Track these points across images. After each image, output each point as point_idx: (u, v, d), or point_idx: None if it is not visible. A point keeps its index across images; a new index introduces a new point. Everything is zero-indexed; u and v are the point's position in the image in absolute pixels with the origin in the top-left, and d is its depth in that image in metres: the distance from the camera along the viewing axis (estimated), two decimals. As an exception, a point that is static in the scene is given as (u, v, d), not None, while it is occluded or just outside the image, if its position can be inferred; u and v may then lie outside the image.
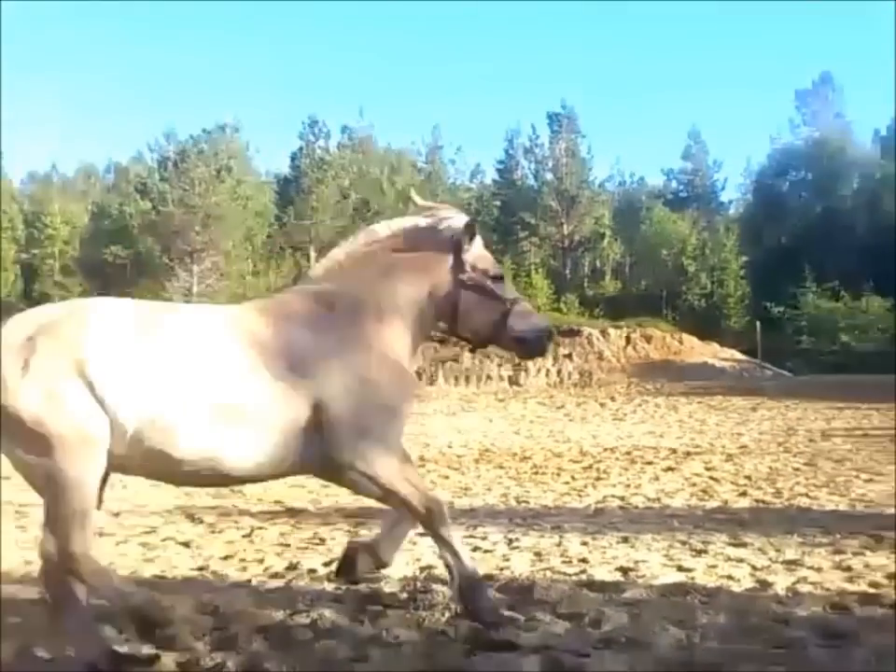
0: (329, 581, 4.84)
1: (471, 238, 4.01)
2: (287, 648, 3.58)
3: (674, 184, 58.42)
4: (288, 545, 6.05)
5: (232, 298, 44.14)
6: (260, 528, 6.66)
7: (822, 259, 38.99)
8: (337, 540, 6.14)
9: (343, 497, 8.05)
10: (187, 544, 6.05)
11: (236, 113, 50.28)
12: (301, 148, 52.09)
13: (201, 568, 5.30)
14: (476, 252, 4.04)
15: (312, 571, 5.15)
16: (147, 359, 3.40)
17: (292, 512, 7.34)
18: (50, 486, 3.33)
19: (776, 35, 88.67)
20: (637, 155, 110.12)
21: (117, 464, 3.43)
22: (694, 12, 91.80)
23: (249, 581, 4.88)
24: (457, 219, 4.09)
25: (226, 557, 5.62)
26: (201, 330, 3.61)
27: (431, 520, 3.71)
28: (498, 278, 4.08)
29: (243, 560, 5.54)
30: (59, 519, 3.30)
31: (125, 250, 47.29)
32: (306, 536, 6.36)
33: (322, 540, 6.17)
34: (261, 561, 5.49)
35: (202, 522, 6.99)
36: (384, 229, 4.09)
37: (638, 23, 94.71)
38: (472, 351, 4.39)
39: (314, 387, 3.58)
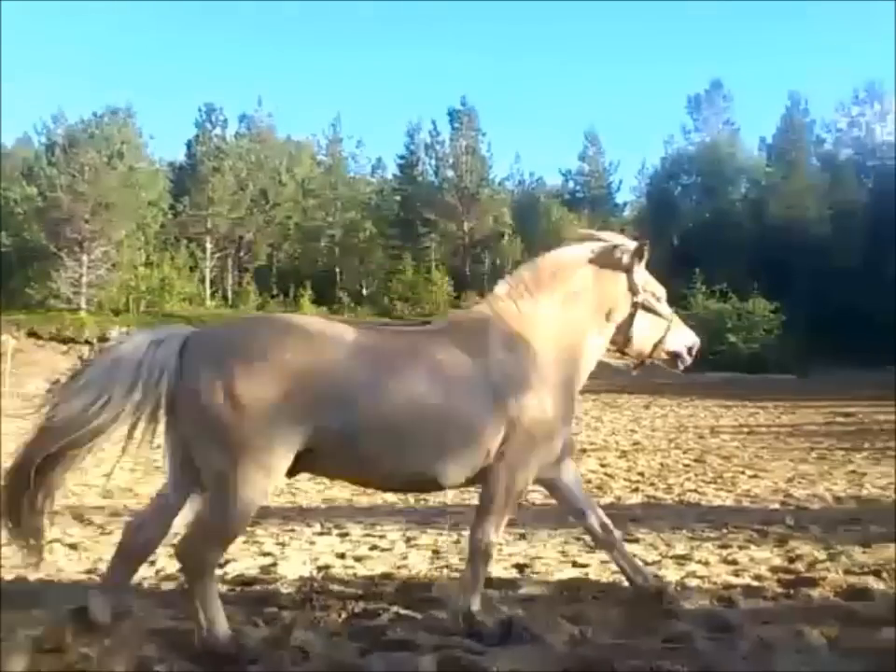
0: (225, 582, 4.74)
1: (640, 260, 4.19)
2: (180, 651, 3.49)
3: (571, 184, 59.54)
4: (182, 546, 5.89)
5: (124, 289, 42.92)
6: (152, 528, 6.46)
7: (712, 261, 40.38)
8: (232, 540, 6.01)
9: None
10: (74, 546, 5.81)
11: (129, 97, 48.84)
12: (197, 136, 50.96)
13: (89, 571, 5.09)
14: (643, 273, 4.21)
15: (206, 572, 5.02)
16: (378, 375, 3.54)
17: (186, 511, 7.14)
18: (225, 485, 3.37)
19: (673, 38, 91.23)
20: (536, 155, 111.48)
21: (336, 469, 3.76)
22: (593, 13, 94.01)
23: (140, 584, 4.72)
24: (627, 243, 4.27)
25: (116, 560, 5.41)
26: (425, 348, 3.77)
27: (473, 557, 3.84)
28: (662, 297, 4.29)
29: (134, 562, 5.35)
30: (221, 519, 3.43)
31: (10, 238, 45.17)
32: (200, 535, 6.20)
33: (217, 540, 6.03)
34: (153, 563, 5.32)
35: (91, 523, 6.73)
36: (566, 254, 4.20)
37: (540, 24, 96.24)
38: (636, 368, 4.50)
39: (508, 408, 3.72)
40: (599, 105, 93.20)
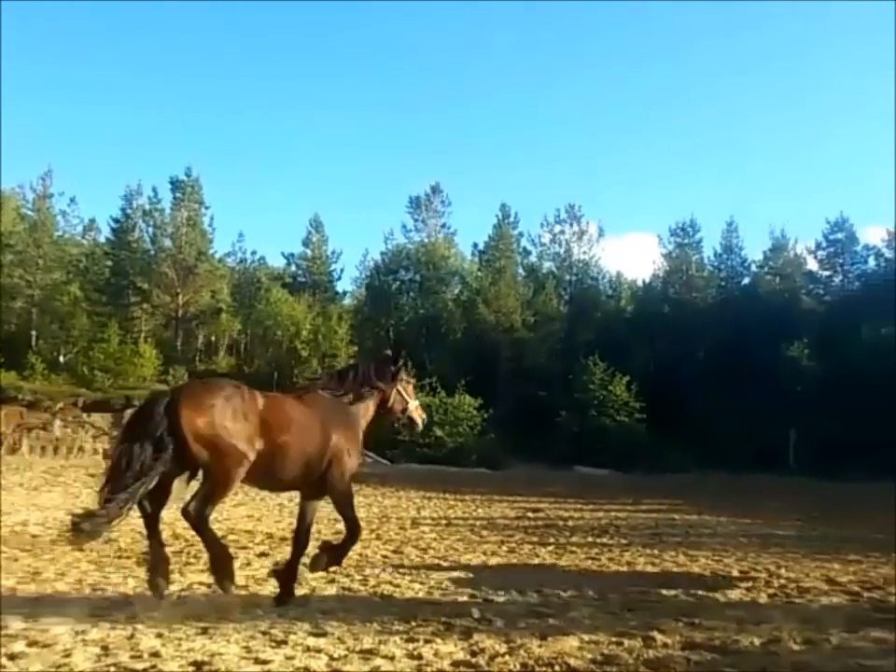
0: None
1: None
2: None
3: (293, 268, 59.79)
4: None
5: None
6: None
7: (424, 356, 42.03)
8: None
9: None
10: None
11: None
12: None
13: None
14: None
15: None
16: None
17: None
18: None
19: (395, 138, 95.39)
20: (260, 235, 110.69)
21: None
22: (323, 105, 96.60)
23: None
24: None
25: None
26: None
27: None
28: None
29: None
30: None
31: None
32: None
33: None
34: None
35: None
36: None
37: (271, 112, 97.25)
38: None
39: None
40: (324, 193, 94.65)
